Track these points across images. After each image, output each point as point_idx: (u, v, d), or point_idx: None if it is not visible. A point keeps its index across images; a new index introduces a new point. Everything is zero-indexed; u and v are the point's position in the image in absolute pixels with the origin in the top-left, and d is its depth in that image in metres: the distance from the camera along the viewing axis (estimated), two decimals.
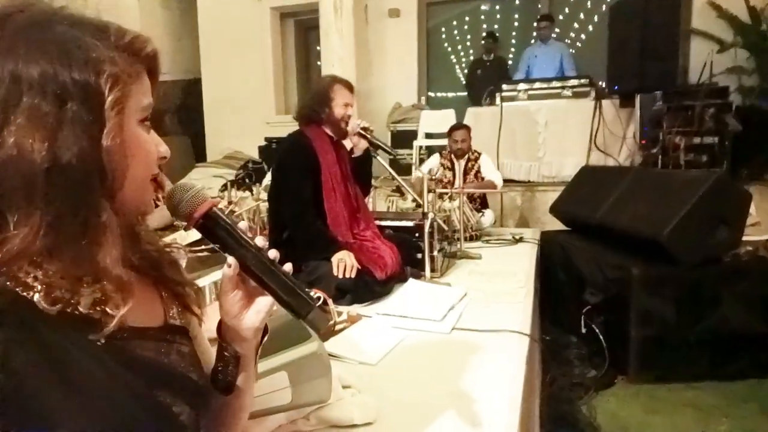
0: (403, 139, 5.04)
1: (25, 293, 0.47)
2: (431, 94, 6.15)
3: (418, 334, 1.55)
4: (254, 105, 6.25)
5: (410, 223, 2.34)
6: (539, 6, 5.67)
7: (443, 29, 6.13)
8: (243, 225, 0.58)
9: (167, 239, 0.70)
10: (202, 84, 6.55)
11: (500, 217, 3.91)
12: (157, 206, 0.59)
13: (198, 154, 6.54)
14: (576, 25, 5.68)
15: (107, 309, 0.52)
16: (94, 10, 0.54)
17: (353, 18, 4.74)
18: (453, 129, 3.62)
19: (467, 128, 3.61)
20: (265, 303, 0.60)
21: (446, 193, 2.85)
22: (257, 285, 0.59)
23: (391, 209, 3.08)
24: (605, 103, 4.23)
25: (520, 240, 2.91)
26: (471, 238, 2.87)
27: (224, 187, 3.49)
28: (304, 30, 6.65)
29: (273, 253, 0.58)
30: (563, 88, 4.41)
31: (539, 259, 2.69)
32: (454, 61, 6.17)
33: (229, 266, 0.57)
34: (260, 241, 0.57)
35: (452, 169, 3.57)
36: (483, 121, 4.51)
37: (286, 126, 2.21)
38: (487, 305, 1.80)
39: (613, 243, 2.59)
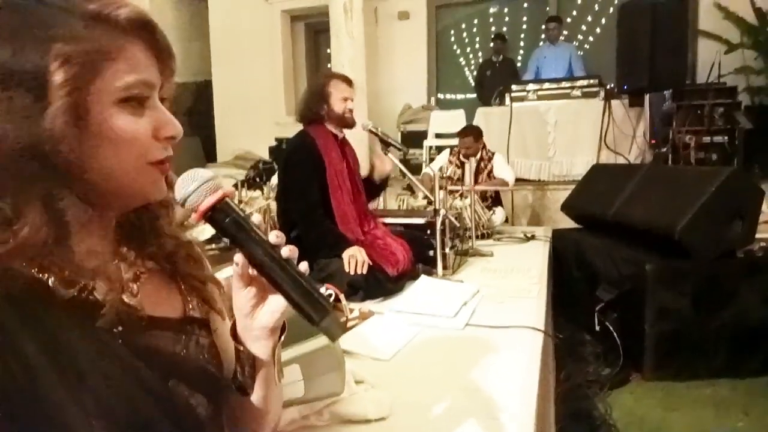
0: (414, 139, 5.05)
1: (41, 275, 0.46)
2: (440, 95, 6.16)
3: (431, 331, 1.55)
4: (264, 106, 6.30)
5: (421, 221, 2.34)
6: (547, 8, 5.66)
7: (452, 31, 6.14)
8: (256, 218, 0.54)
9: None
10: (212, 86, 6.62)
11: (512, 216, 3.90)
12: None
13: (208, 155, 6.60)
14: (584, 27, 5.67)
15: (124, 297, 0.51)
16: None
17: (363, 20, 4.77)
18: (460, 134, 3.62)
19: (475, 134, 3.56)
20: (279, 302, 0.54)
21: (457, 191, 2.85)
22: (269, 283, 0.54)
23: (402, 207, 3.09)
24: (614, 102, 4.22)
25: (532, 238, 2.90)
26: (482, 236, 2.86)
27: (235, 187, 3.51)
28: (313, 33, 6.70)
29: (286, 251, 0.52)
30: (572, 88, 4.41)
31: (551, 256, 2.67)
32: (463, 63, 6.17)
33: (237, 264, 0.53)
34: (273, 237, 0.52)
35: (461, 167, 3.57)
36: (493, 121, 4.52)
37: (296, 126, 2.22)
38: (500, 302, 1.79)
39: (627, 239, 2.57)
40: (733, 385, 2.17)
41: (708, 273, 2.24)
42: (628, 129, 4.21)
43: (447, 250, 2.16)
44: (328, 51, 5.49)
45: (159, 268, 0.58)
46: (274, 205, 2.66)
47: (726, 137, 3.76)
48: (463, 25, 6.10)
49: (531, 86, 4.56)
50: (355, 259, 1.88)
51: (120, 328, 0.50)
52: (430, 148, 4.92)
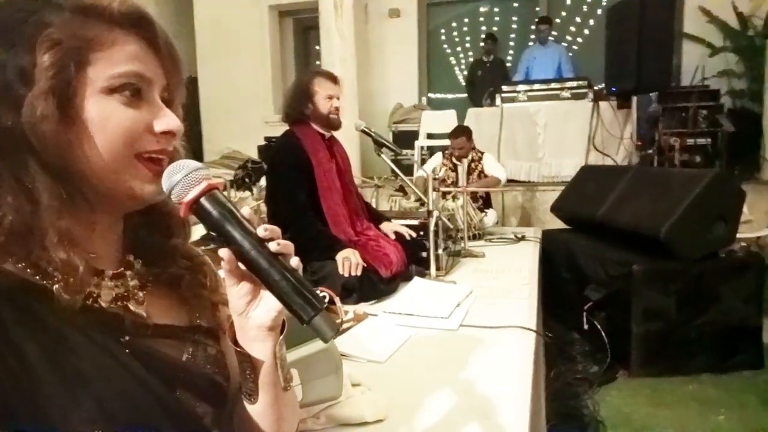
0: (405, 139, 5.04)
1: (44, 281, 0.46)
2: (431, 95, 6.17)
3: (426, 332, 1.56)
4: (253, 105, 6.21)
5: (414, 222, 2.35)
6: (537, 8, 5.70)
7: (443, 30, 6.15)
8: (246, 211, 0.50)
9: None
10: (198, 83, 6.51)
11: (502, 217, 3.94)
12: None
13: (195, 154, 6.44)
14: (573, 28, 5.72)
15: (129, 305, 0.51)
16: None
17: (353, 18, 4.75)
18: (451, 136, 3.63)
19: (465, 135, 3.57)
20: (275, 299, 0.50)
21: (450, 192, 2.87)
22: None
23: (394, 209, 3.10)
24: (603, 104, 4.28)
25: (522, 239, 2.93)
26: (474, 237, 2.89)
27: (224, 188, 3.47)
28: (303, 29, 6.64)
29: (274, 246, 0.48)
30: (562, 89, 4.45)
31: (541, 257, 2.71)
32: (454, 62, 6.19)
33: (223, 260, 0.50)
34: (261, 230, 0.48)
35: (455, 170, 3.59)
36: (484, 121, 4.55)
37: (285, 126, 2.18)
38: (492, 302, 1.81)
39: (615, 240, 2.62)
40: (716, 381, 2.24)
41: (692, 273, 2.31)
42: (616, 131, 4.27)
43: (440, 251, 2.18)
44: (318, 48, 5.46)
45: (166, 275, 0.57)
46: (264, 206, 2.65)
47: (709, 139, 3.85)
48: (454, 24, 6.12)
49: (521, 87, 4.59)
50: (349, 261, 1.86)
51: (126, 338, 0.49)
52: (422, 148, 4.93)
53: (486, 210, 3.44)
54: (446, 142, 3.84)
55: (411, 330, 1.56)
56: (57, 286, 0.45)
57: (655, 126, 3.94)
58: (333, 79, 2.07)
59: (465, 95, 5.81)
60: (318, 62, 5.89)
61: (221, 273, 0.53)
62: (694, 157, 3.86)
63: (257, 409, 0.56)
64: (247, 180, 4.35)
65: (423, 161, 4.24)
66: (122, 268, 0.53)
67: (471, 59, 5.98)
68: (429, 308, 1.67)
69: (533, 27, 5.50)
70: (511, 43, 5.99)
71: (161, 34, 0.51)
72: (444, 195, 2.76)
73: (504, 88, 4.58)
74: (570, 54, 5.52)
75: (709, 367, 2.30)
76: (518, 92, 4.53)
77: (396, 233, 2.24)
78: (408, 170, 3.91)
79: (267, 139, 5.44)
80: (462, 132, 3.61)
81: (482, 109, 4.76)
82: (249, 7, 6.24)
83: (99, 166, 0.48)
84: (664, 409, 2.08)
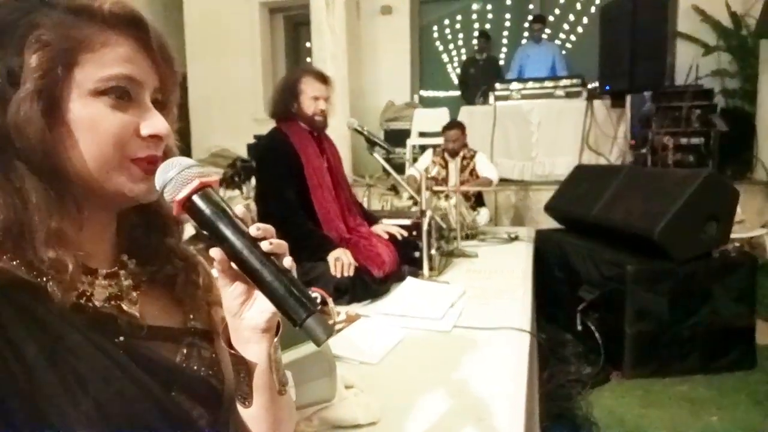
0: (397, 137, 5.02)
1: (39, 279, 0.45)
2: (423, 92, 6.15)
3: (419, 333, 1.54)
4: (242, 102, 6.17)
5: (407, 222, 2.32)
6: (530, 6, 5.70)
7: (435, 27, 6.14)
8: (239, 210, 0.49)
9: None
10: (187, 80, 6.44)
11: (495, 216, 3.93)
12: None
13: (183, 152, 6.42)
14: (566, 26, 5.73)
15: (122, 305, 0.51)
16: None
17: (345, 14, 4.71)
18: (445, 128, 3.61)
19: (460, 127, 3.59)
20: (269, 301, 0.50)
21: (442, 191, 2.85)
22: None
23: (386, 208, 3.07)
24: (597, 103, 4.29)
25: (516, 238, 2.92)
26: (467, 237, 2.87)
27: (218, 184, 3.43)
28: (293, 25, 6.59)
29: (267, 245, 0.47)
30: (556, 87, 4.45)
31: (534, 257, 2.69)
32: (446, 59, 6.18)
33: (214, 260, 0.49)
34: (254, 230, 0.48)
35: (446, 167, 3.57)
36: (477, 119, 4.53)
37: (273, 122, 2.14)
38: (485, 302, 1.79)
39: (608, 240, 2.62)
40: (708, 382, 2.25)
41: (685, 274, 2.31)
42: (609, 130, 4.28)
43: (433, 251, 2.15)
44: (309, 45, 5.42)
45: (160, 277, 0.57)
46: (254, 205, 2.62)
47: (702, 139, 3.87)
48: (446, 21, 6.11)
49: (515, 85, 4.59)
50: (341, 262, 1.84)
51: (121, 338, 0.49)
52: (414, 147, 4.91)
53: (479, 208, 3.43)
54: (438, 140, 3.82)
55: (404, 331, 1.54)
56: (51, 283, 0.45)
57: (648, 125, 3.96)
58: (322, 79, 2.01)
59: (458, 93, 5.80)
60: (309, 59, 5.85)
61: (214, 273, 0.53)
62: (687, 156, 3.89)
63: (252, 413, 0.55)
64: (236, 178, 4.31)
65: (415, 160, 4.23)
66: (116, 268, 0.53)
67: (464, 57, 5.98)
68: (422, 309, 1.65)
69: (526, 25, 5.50)
70: (504, 41, 6.00)
71: (155, 35, 0.51)
72: (436, 194, 2.74)
73: (497, 86, 4.58)
74: (563, 52, 5.52)
75: (701, 367, 2.30)
76: (511, 90, 4.53)
77: (388, 233, 2.22)
78: (399, 169, 3.88)
79: (256, 137, 5.39)
80: (456, 125, 3.60)
81: (475, 108, 4.74)
82: (239, 3, 6.20)
83: (88, 167, 0.48)
84: (656, 409, 2.08)
